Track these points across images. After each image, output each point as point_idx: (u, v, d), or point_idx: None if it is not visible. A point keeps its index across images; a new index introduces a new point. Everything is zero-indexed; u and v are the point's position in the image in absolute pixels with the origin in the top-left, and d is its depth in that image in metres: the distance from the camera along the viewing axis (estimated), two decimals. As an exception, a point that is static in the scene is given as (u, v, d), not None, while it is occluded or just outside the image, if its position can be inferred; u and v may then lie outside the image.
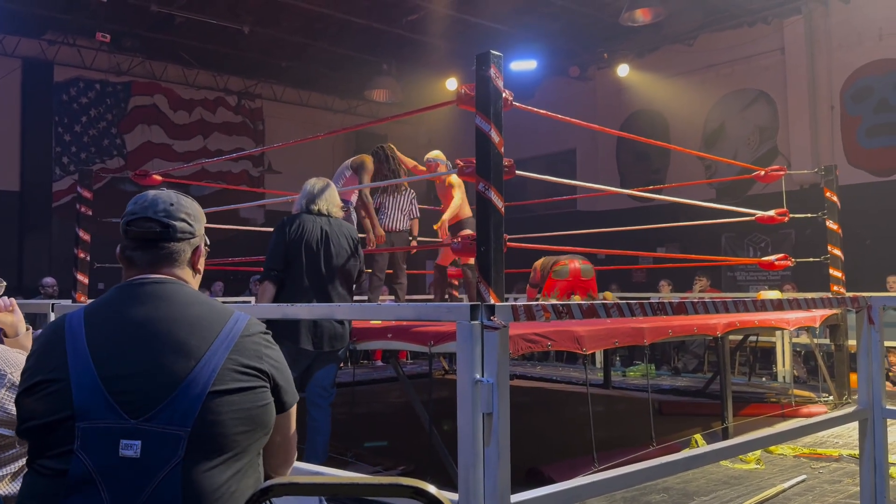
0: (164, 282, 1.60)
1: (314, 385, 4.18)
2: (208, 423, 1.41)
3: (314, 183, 4.40)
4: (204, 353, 1.46)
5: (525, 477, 4.08)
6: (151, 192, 1.69)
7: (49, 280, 9.88)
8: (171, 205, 1.66)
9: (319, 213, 4.27)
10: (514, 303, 1.98)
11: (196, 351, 1.46)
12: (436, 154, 6.55)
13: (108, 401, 1.40)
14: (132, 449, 1.37)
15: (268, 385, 1.54)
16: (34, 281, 10.55)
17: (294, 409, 1.67)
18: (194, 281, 1.70)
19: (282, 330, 3.86)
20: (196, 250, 1.69)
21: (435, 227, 6.36)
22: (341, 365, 4.94)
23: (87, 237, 5.99)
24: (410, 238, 6.94)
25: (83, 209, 6.00)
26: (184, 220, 1.66)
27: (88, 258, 6.02)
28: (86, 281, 6.01)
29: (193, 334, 1.49)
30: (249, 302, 8.04)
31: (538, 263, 7.12)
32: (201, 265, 1.73)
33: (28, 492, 1.45)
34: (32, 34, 12.21)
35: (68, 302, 5.49)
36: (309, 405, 4.15)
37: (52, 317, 3.80)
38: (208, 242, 1.76)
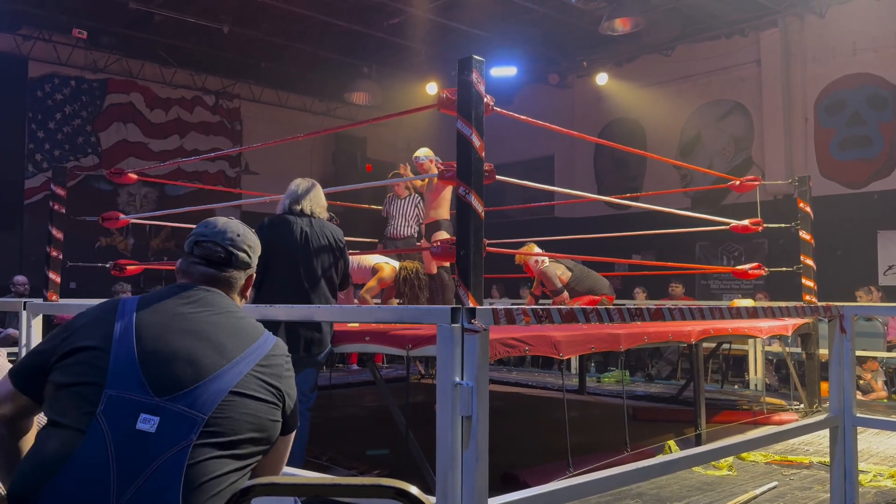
0: (215, 292, 1.77)
1: None
2: (224, 417, 1.51)
3: (299, 183, 4.30)
4: (235, 357, 1.60)
5: (500, 481, 4.09)
6: (222, 220, 1.89)
7: (20, 278, 9.71)
8: (238, 235, 1.85)
9: (302, 214, 4.17)
10: (493, 306, 2.00)
11: (230, 353, 1.61)
12: (426, 152, 6.28)
13: (139, 377, 1.52)
14: (149, 423, 1.47)
15: (280, 405, 1.65)
16: (5, 279, 10.37)
17: (292, 436, 1.77)
18: (239, 304, 1.86)
19: None
20: (248, 278, 1.89)
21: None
22: (323, 368, 4.87)
23: (59, 235, 5.91)
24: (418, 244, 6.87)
25: (56, 207, 5.92)
26: (245, 252, 1.86)
27: (61, 257, 5.93)
28: (58, 280, 5.92)
29: (230, 338, 1.64)
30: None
31: (557, 271, 7.07)
32: (249, 293, 1.93)
33: (40, 445, 1.53)
34: (7, 29, 12.02)
35: (40, 300, 5.40)
36: None
37: (24, 315, 3.75)
38: (256, 272, 1.93)
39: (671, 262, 8.99)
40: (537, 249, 7.15)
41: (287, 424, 1.69)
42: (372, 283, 5.99)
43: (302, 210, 4.18)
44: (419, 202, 6.94)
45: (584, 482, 2.29)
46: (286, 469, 1.80)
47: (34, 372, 1.64)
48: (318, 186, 4.35)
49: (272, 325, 3.87)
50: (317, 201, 4.25)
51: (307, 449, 4.24)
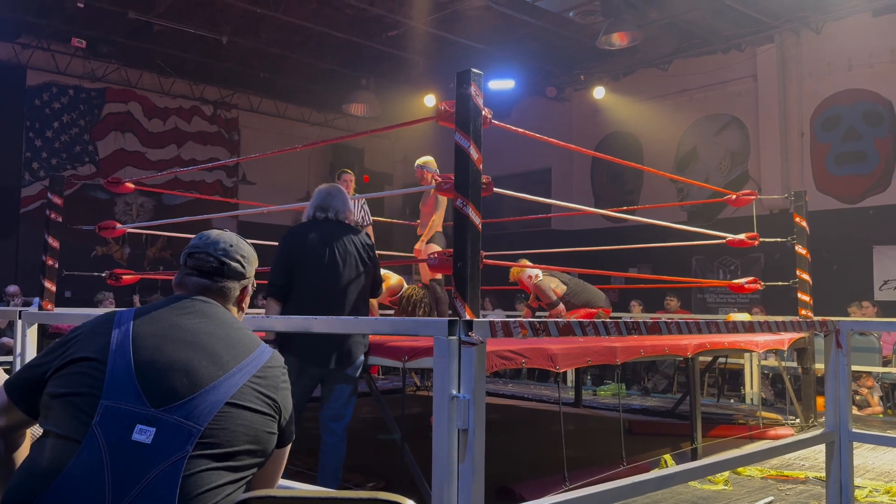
0: (212, 303, 1.76)
1: (325, 408, 3.94)
2: (220, 429, 1.51)
3: (324, 188, 4.15)
4: (232, 368, 1.60)
5: (496, 495, 4.07)
6: (215, 231, 1.90)
7: (13, 288, 9.68)
8: (231, 246, 1.86)
9: (327, 220, 4.01)
10: (491, 319, 2.01)
11: (226, 364, 1.60)
12: (426, 160, 6.22)
13: (135, 387, 1.51)
14: (145, 434, 1.46)
15: (276, 417, 1.64)
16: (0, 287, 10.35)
17: (288, 448, 1.77)
18: (237, 316, 1.86)
19: (284, 344, 3.66)
20: (244, 290, 1.88)
21: (416, 247, 6.19)
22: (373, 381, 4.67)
23: (56, 244, 5.89)
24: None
25: (53, 215, 5.90)
26: (238, 262, 1.85)
27: (57, 265, 5.92)
28: (53, 289, 5.90)
29: (227, 350, 1.63)
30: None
31: (552, 284, 7.07)
32: (246, 304, 1.92)
33: (35, 456, 1.53)
34: (6, 37, 12.05)
35: (35, 309, 5.38)
36: (321, 430, 3.95)
37: (20, 325, 3.73)
38: (255, 284, 1.93)
39: (667, 276, 8.99)
40: (528, 264, 7.18)
41: (283, 437, 1.69)
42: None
43: (327, 217, 4.02)
44: (363, 204, 6.84)
45: (580, 496, 2.28)
46: (281, 482, 1.79)
47: (29, 386, 1.64)
48: (344, 191, 4.19)
49: (293, 338, 3.66)
50: (343, 207, 4.07)
51: (301, 461, 4.20)
